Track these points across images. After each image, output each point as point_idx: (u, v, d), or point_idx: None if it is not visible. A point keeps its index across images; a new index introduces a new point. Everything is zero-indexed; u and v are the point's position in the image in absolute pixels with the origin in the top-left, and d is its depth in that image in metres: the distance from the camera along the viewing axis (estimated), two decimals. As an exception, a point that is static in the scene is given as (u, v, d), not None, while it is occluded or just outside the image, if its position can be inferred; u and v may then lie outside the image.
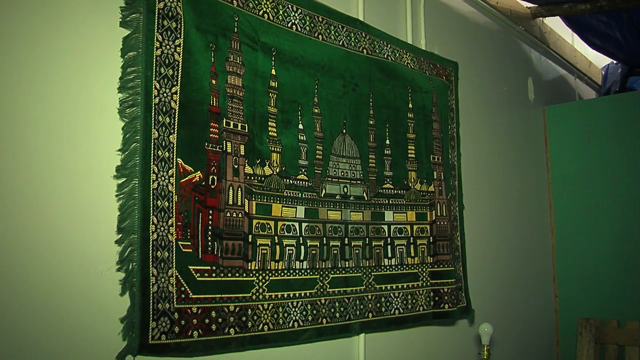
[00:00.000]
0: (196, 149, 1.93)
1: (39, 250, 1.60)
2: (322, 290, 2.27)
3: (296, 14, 2.33)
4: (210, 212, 1.95)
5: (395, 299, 2.57)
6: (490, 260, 3.41)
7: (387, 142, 2.66)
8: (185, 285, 1.84)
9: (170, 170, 1.85)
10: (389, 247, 2.58)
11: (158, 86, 1.83)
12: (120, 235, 1.74)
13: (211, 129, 1.98)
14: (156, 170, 1.80)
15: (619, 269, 3.82)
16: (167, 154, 1.84)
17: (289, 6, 2.31)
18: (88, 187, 1.71)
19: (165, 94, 1.85)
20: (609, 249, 3.86)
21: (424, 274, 2.72)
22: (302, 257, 2.22)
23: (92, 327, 1.68)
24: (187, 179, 1.89)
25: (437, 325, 2.90)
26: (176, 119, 1.88)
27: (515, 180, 3.80)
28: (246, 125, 2.09)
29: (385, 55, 2.72)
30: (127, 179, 1.76)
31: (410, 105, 2.80)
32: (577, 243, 4.01)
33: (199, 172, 1.93)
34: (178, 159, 1.87)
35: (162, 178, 1.82)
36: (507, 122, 3.83)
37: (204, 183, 1.94)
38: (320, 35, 2.42)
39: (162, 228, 1.80)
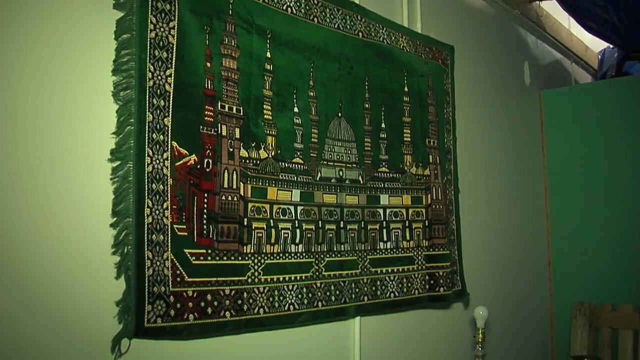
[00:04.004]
0: (191, 132, 1.92)
1: (33, 234, 1.59)
2: (317, 273, 2.28)
3: (291, -4, 2.32)
4: (206, 195, 1.94)
5: (390, 283, 2.58)
6: (486, 244, 3.41)
7: (383, 125, 2.65)
8: (180, 268, 1.84)
9: (165, 154, 1.84)
10: (385, 230, 2.59)
11: (152, 69, 1.82)
12: (115, 218, 1.73)
13: (206, 112, 1.97)
14: (151, 154, 1.80)
15: (613, 254, 3.83)
16: (161, 137, 1.83)
17: (284, -12, 2.29)
18: (82, 170, 1.70)
19: (159, 77, 1.84)
20: (604, 234, 3.88)
21: (420, 257, 2.73)
22: (297, 241, 2.22)
23: (88, 311, 1.68)
24: (182, 162, 1.88)
25: (432, 308, 2.91)
26: (171, 101, 1.87)
27: (511, 165, 3.80)
28: (241, 108, 2.08)
29: (381, 39, 2.71)
30: (122, 162, 1.75)
31: (406, 89, 2.79)
32: (572, 227, 4.02)
33: (194, 155, 1.92)
34: (173, 142, 1.86)
35: (157, 161, 1.81)
36: (503, 106, 3.83)
37: (199, 166, 1.93)
38: (315, 18, 2.41)
39: (157, 211, 1.80)
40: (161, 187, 1.82)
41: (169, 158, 1.85)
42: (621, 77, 4.69)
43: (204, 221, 1.93)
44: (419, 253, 2.73)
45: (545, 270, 4.07)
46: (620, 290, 3.77)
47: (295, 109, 2.28)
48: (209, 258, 1.93)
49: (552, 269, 4.08)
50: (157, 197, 1.80)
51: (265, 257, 2.10)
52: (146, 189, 1.77)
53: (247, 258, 2.04)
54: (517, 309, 3.68)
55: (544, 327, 4.01)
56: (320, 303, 2.27)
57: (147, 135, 1.79)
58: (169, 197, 1.84)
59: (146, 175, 1.78)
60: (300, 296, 2.20)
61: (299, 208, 2.24)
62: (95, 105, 1.74)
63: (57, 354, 1.62)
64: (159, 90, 1.83)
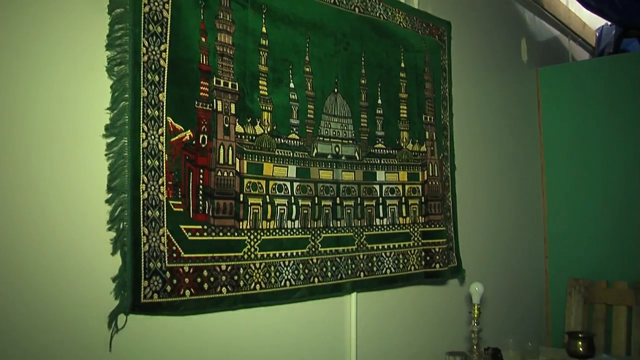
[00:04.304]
0: (186, 107, 1.91)
1: (28, 210, 1.59)
2: (313, 249, 2.28)
3: (287, -29, 2.29)
4: (201, 171, 1.94)
5: (386, 259, 2.58)
6: (482, 220, 3.42)
7: (379, 101, 2.64)
8: (176, 244, 1.84)
9: (160, 129, 1.83)
10: (381, 207, 2.59)
11: (147, 44, 1.80)
12: (111, 194, 1.73)
13: (201, 88, 1.96)
14: (146, 129, 1.79)
15: (609, 231, 3.84)
16: (156, 112, 1.83)
17: (280, -38, 2.27)
18: (76, 146, 1.69)
19: (154, 52, 1.82)
20: (600, 211, 3.89)
21: (416, 233, 2.73)
22: (293, 217, 2.22)
23: (84, 287, 1.68)
24: (177, 137, 1.88)
25: (428, 284, 2.92)
26: (165, 77, 1.86)
27: (508, 142, 3.79)
28: (237, 83, 2.06)
29: (378, 14, 2.69)
30: (117, 138, 1.74)
31: (403, 65, 2.77)
32: (568, 205, 4.03)
33: (189, 130, 1.91)
34: (168, 118, 1.85)
35: (152, 137, 1.80)
36: (500, 83, 3.81)
37: (194, 142, 1.92)
38: (311, -7, 2.39)
39: (153, 187, 1.79)
40: (156, 163, 1.81)
41: (164, 134, 1.84)
42: (619, 54, 4.67)
43: (200, 197, 1.92)
44: (415, 229, 2.73)
45: (541, 247, 4.08)
46: (615, 267, 3.79)
47: (291, 85, 2.27)
48: (205, 234, 1.93)
49: (547, 246, 4.10)
50: (153, 173, 1.80)
51: (262, 233, 2.10)
52: (141, 164, 1.77)
53: (243, 234, 2.04)
54: (513, 285, 3.70)
55: (539, 303, 4.03)
56: (316, 279, 2.28)
57: (142, 110, 1.78)
58: (164, 173, 1.83)
59: (141, 151, 1.77)
60: (296, 272, 2.20)
61: (295, 184, 2.24)
62: (89, 81, 1.73)
63: (53, 330, 1.62)
64: (153, 66, 1.82)
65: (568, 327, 3.73)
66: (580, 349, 2.93)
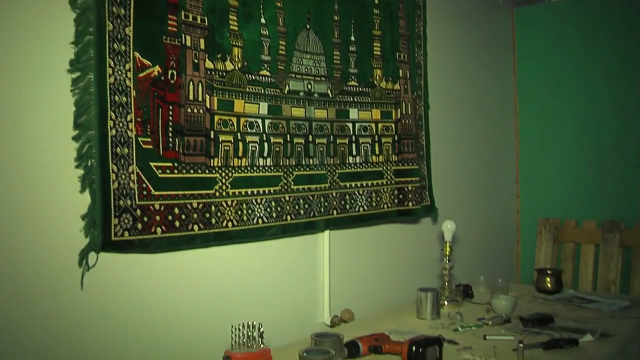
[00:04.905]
0: (154, 42, 1.86)
1: (-9, 145, 1.55)
2: (286, 187, 2.27)
3: None
4: (170, 107, 1.90)
5: (359, 197, 2.59)
6: (455, 160, 3.43)
7: (352, 38, 2.60)
8: (146, 182, 1.82)
9: (127, 65, 1.79)
10: (354, 145, 2.57)
11: (111, -26, 1.74)
12: (77, 131, 1.70)
13: (169, 22, 1.91)
14: (112, 64, 1.75)
15: (579, 172, 3.88)
16: (123, 47, 1.78)
17: None
18: (41, 81, 1.64)
19: (118, -17, 1.76)
20: (571, 152, 3.91)
21: (389, 172, 2.74)
22: (265, 154, 2.20)
23: (52, 225, 1.66)
24: (145, 73, 1.84)
25: (401, 223, 2.94)
26: (132, 10, 1.80)
27: (482, 83, 3.77)
28: (206, 18, 2.01)
29: (351, -52, 2.62)
30: (82, 74, 1.70)
31: (376, 1, 2.72)
32: (540, 146, 4.05)
33: (157, 66, 1.87)
34: (135, 53, 1.81)
35: (119, 72, 1.76)
36: (476, 23, 3.76)
37: (162, 78, 1.88)
38: None
39: (121, 124, 1.76)
40: (124, 99, 1.77)
41: (132, 69, 1.80)
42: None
43: (170, 134, 1.90)
44: (388, 168, 2.73)
45: (513, 187, 4.12)
46: (585, 206, 3.84)
47: (262, 20, 2.21)
48: (176, 171, 1.91)
49: (519, 186, 4.14)
50: (121, 109, 1.76)
51: (233, 171, 2.08)
52: (108, 101, 1.73)
53: (214, 171, 2.02)
54: (485, 224, 3.74)
55: (510, 242, 4.10)
56: (289, 217, 2.28)
57: (107, 45, 1.73)
58: (132, 109, 1.80)
59: (108, 86, 1.73)
60: (269, 210, 2.20)
61: (267, 121, 2.21)
62: (51, 14, 1.67)
63: (22, 269, 1.61)
64: (118, -2, 1.76)
65: (538, 264, 3.80)
66: (549, 284, 3.00)
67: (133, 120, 1.80)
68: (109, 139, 1.73)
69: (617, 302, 2.76)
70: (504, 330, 2.31)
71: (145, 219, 1.81)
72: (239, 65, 2.12)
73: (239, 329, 1.76)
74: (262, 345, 1.78)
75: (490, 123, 3.85)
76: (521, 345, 1.99)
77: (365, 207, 2.62)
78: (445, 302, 2.66)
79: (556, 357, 2.01)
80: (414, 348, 1.87)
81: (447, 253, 2.69)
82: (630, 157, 3.68)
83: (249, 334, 1.77)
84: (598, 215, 3.74)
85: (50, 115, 1.66)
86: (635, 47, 3.69)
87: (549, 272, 3.07)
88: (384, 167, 2.72)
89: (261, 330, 1.78)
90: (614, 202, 3.73)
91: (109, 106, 1.73)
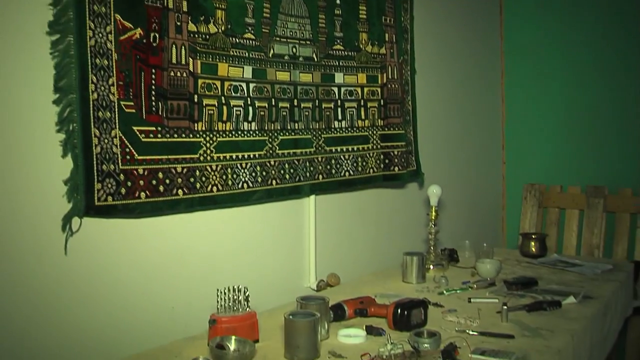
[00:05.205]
0: (135, 4, 1.83)
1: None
2: (271, 151, 2.26)
3: None
4: (153, 71, 1.88)
5: (345, 161, 2.58)
6: (441, 126, 3.42)
7: (338, 1, 2.56)
8: (130, 146, 1.81)
9: (108, 27, 1.76)
10: (339, 109, 2.56)
11: None
12: (58, 95, 1.67)
13: (150, -17, 1.87)
14: (93, 27, 1.71)
15: (565, 138, 3.89)
16: (103, 9, 1.74)
17: None
18: (19, 44, 1.61)
19: (97, -57, 1.72)
20: (557, 118, 3.91)
21: (375, 136, 2.73)
22: (250, 118, 2.18)
23: (34, 190, 1.64)
24: (126, 36, 1.80)
25: (387, 187, 2.94)
26: (111, -29, 1.76)
27: (469, 47, 3.75)
28: (188, -21, 1.97)
29: None
30: (62, 36, 1.67)
31: (362, -36, 2.68)
32: (526, 111, 4.05)
33: (139, 28, 1.84)
34: (116, 15, 1.78)
35: (100, 35, 1.73)
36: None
37: (145, 41, 1.85)
38: None
39: (103, 87, 1.74)
40: (105, 62, 1.75)
41: (113, 32, 1.77)
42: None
43: (153, 98, 1.87)
44: (374, 132, 2.72)
45: (499, 153, 4.13)
46: (570, 172, 3.86)
47: (246, -19, 2.18)
48: (159, 136, 1.89)
49: (505, 152, 4.14)
50: (102, 72, 1.74)
51: (217, 135, 2.06)
52: (89, 64, 1.70)
53: (198, 136, 2.00)
54: (471, 189, 3.75)
55: (496, 207, 4.12)
56: (274, 181, 2.27)
57: (87, 6, 1.70)
58: (114, 72, 1.77)
59: (89, 49, 1.70)
60: (254, 174, 2.19)
61: (251, 85, 2.19)
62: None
63: (4, 235, 1.59)
64: (97, -42, 1.72)
65: (523, 229, 3.83)
66: (533, 249, 3.02)
67: (115, 83, 1.77)
68: (91, 102, 1.71)
69: (600, 265, 2.80)
70: (489, 293, 2.33)
71: (129, 183, 1.80)
72: (223, 28, 2.09)
73: (225, 293, 1.77)
74: (247, 309, 1.78)
75: (476, 89, 3.84)
76: (505, 307, 2.01)
77: (351, 172, 2.61)
78: (431, 266, 2.68)
79: (539, 319, 2.03)
80: (399, 310, 1.89)
81: (433, 218, 2.70)
82: (615, 124, 3.69)
83: (235, 297, 1.77)
84: (583, 181, 3.76)
85: (30, 79, 1.63)
86: (621, 14, 3.68)
87: (533, 236, 3.09)
88: (370, 132, 2.71)
89: (247, 293, 1.78)
90: (599, 168, 3.75)
91: (90, 69, 1.70)
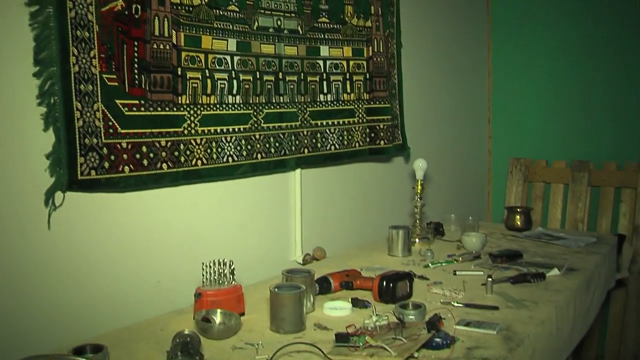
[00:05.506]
0: (116, -26, 1.80)
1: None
2: (256, 125, 2.24)
3: None
4: (136, 43, 1.85)
5: (331, 135, 2.57)
6: (427, 100, 3.42)
7: (323, -27, 2.54)
8: (112, 119, 1.79)
9: (88, -2, 1.72)
10: (325, 82, 2.54)
11: None
12: (38, 67, 1.64)
13: (131, -47, 1.83)
14: (73, -3, 1.68)
15: (551, 112, 3.90)
16: (83, -21, 1.71)
17: None
18: (-3, 15, 1.58)
19: None
20: (544, 93, 3.92)
21: (360, 110, 2.71)
22: (234, 92, 2.16)
23: (16, 164, 1.62)
24: (108, 7, 1.77)
25: (373, 161, 2.94)
26: (91, -61, 1.73)
27: (455, 21, 3.73)
28: (170, -51, 1.94)
29: None
30: (41, 7, 1.63)
31: None
32: (513, 86, 4.05)
33: (120, 0, 1.80)
34: (97, -14, 1.74)
35: (80, 6, 1.70)
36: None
37: (126, 12, 1.82)
38: None
39: (84, 60, 1.71)
40: (87, 34, 1.72)
41: (94, 3, 1.73)
42: None
43: (135, 71, 1.85)
44: (360, 106, 2.71)
45: (485, 127, 4.13)
46: (555, 147, 3.88)
47: (229, -48, 2.14)
48: (143, 109, 1.87)
49: (491, 126, 4.15)
50: (83, 44, 1.71)
51: (202, 108, 2.05)
52: (70, 36, 1.67)
53: (182, 109, 1.98)
54: (457, 163, 3.76)
55: (482, 181, 4.13)
56: (259, 155, 2.26)
57: (67, -24, 1.67)
58: (95, 45, 1.74)
59: (69, 21, 1.67)
60: (238, 148, 2.18)
61: (236, 58, 2.17)
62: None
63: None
64: None
65: (508, 203, 3.86)
66: (518, 222, 3.04)
67: (97, 56, 1.74)
68: (72, 75, 1.68)
69: (584, 238, 2.82)
70: (474, 266, 2.35)
71: (112, 157, 1.78)
72: (206, 0, 2.05)
73: (210, 267, 1.77)
74: (233, 282, 1.79)
75: (463, 63, 3.83)
76: (490, 279, 2.03)
77: (337, 146, 2.60)
78: (417, 240, 2.69)
79: (524, 290, 2.05)
80: (384, 283, 1.90)
81: (419, 191, 2.71)
82: (602, 99, 3.70)
83: (220, 271, 1.77)
84: (568, 156, 3.78)
85: (9, 51, 1.60)
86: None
87: (518, 209, 3.11)
88: (356, 106, 2.69)
89: (232, 267, 1.78)
90: (584, 142, 3.77)
91: (70, 41, 1.67)
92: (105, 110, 1.77)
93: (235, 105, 2.17)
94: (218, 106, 2.10)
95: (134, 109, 1.84)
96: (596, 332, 3.47)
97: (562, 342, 1.95)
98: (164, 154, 1.92)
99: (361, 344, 1.50)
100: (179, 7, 1.97)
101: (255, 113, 2.24)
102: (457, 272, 2.24)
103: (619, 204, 3.56)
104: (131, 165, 1.83)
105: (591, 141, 3.73)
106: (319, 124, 2.51)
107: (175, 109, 1.96)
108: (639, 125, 3.57)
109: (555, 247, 2.67)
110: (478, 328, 1.67)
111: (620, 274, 2.94)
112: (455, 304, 1.88)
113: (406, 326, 1.60)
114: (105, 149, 1.76)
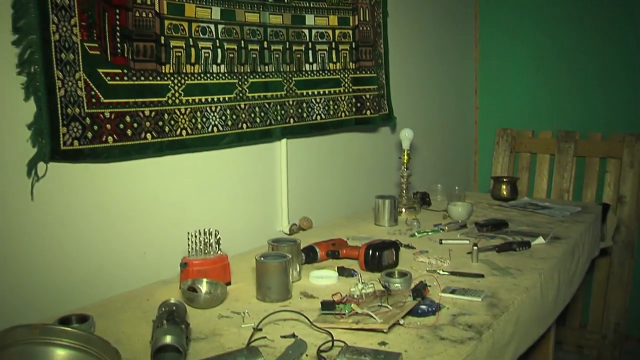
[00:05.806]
0: (95, -61, 1.76)
1: None
2: (241, 95, 2.22)
3: None
4: (117, 11, 1.82)
5: (316, 105, 2.55)
6: (414, 70, 3.40)
7: (308, -60, 2.50)
8: (95, 89, 1.76)
9: (67, -37, 1.69)
10: (310, 52, 2.51)
11: None
12: (17, 35, 1.61)
13: None
14: (51, -37, 1.64)
15: (537, 83, 3.90)
16: (62, -56, 1.67)
17: None
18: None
19: None
20: (531, 64, 3.91)
21: (346, 80, 2.69)
22: (219, 61, 2.13)
23: (-4, 135, 1.61)
24: (88, -26, 1.74)
25: (359, 131, 2.93)
26: None
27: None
28: None
29: None
30: (19, -26, 1.60)
31: None
32: (499, 56, 4.04)
33: (101, -34, 1.77)
34: (76, -49, 1.70)
35: (60, -27, 1.66)
36: None
37: (107, -21, 1.79)
38: None
39: (65, 28, 1.68)
40: (66, 1, 1.69)
41: (73, -31, 1.70)
42: None
43: (118, 39, 1.82)
44: (346, 76, 2.69)
45: (472, 98, 4.12)
46: (541, 117, 3.88)
47: None
48: (126, 78, 1.84)
49: (478, 97, 4.14)
50: (63, 12, 1.68)
51: (186, 78, 2.02)
52: (49, 3, 1.64)
53: (166, 78, 1.96)
54: (443, 134, 3.76)
55: (468, 151, 4.14)
56: (244, 125, 2.24)
57: (45, -58, 1.63)
58: (76, 12, 1.71)
59: (48, -14, 1.64)
60: (223, 118, 2.16)
61: (220, 27, 2.14)
62: None
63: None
64: None
65: (495, 174, 3.87)
66: (504, 192, 3.05)
67: (77, 24, 1.71)
68: (52, 44, 1.65)
69: (569, 208, 2.84)
70: (460, 235, 2.36)
71: (96, 127, 1.76)
72: (189, -33, 2.02)
73: (196, 236, 1.76)
74: (219, 252, 1.78)
75: (450, 32, 3.81)
76: (475, 248, 2.04)
77: (323, 116, 2.59)
78: (403, 210, 2.69)
79: (509, 258, 2.06)
80: (370, 252, 1.90)
81: (405, 161, 2.71)
82: (588, 69, 3.70)
83: (206, 240, 1.77)
84: (554, 126, 3.79)
85: (-14, 18, 1.57)
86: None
87: (504, 179, 3.12)
88: (342, 75, 2.67)
89: (218, 236, 1.78)
90: (570, 113, 3.77)
91: (50, 9, 1.64)
92: (88, 80, 1.74)
93: (220, 75, 2.14)
94: (202, 75, 2.08)
95: (117, 78, 1.82)
96: (580, 299, 3.52)
97: (546, 309, 1.97)
98: (148, 123, 1.90)
99: (347, 311, 1.50)
100: (162, -26, 1.94)
101: (240, 82, 2.21)
102: (443, 241, 2.25)
103: (604, 174, 3.58)
104: (115, 135, 1.81)
105: (577, 112, 3.74)
106: (305, 93, 2.50)
107: (159, 78, 1.94)
108: (624, 96, 3.59)
109: (541, 217, 2.69)
110: (463, 295, 1.69)
111: (605, 243, 2.96)
112: (441, 272, 1.90)
113: (392, 294, 1.61)
114: (88, 118, 1.74)
